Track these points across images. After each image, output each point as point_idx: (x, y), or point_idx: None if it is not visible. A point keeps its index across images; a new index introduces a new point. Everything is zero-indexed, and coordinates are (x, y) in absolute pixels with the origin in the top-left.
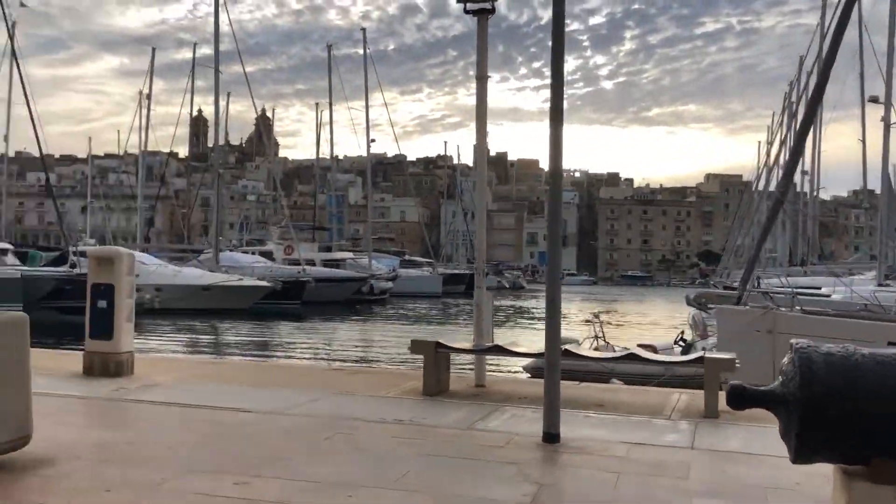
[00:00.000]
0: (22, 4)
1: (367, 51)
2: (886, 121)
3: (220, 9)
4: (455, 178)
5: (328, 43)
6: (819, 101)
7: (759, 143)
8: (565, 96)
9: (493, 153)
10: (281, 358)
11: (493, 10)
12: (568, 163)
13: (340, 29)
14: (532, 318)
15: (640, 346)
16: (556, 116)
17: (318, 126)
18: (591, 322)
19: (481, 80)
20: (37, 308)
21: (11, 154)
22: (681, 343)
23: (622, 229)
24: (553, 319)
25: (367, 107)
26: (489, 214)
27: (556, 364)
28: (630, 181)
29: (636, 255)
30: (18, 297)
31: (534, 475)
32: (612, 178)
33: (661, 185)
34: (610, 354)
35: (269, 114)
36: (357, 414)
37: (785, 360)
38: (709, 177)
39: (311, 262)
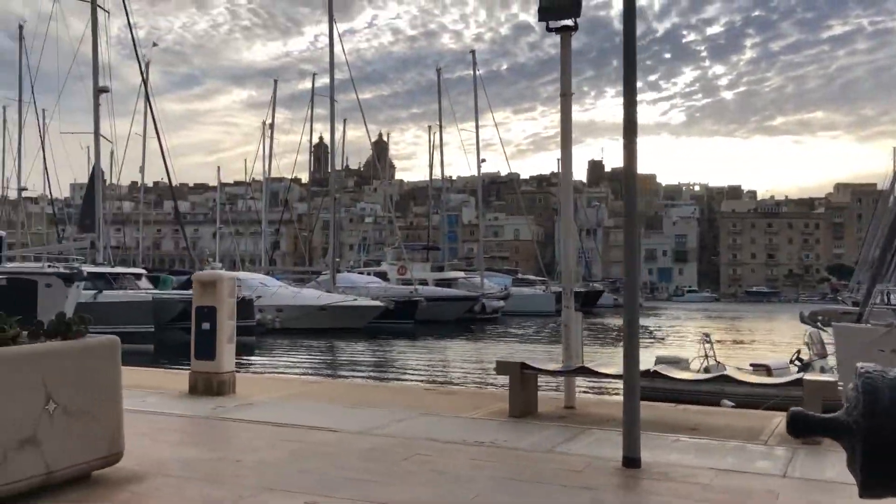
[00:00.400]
0: (154, 45)
1: (478, 73)
2: None
3: (334, 42)
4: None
5: (437, 67)
6: None
7: (894, 148)
8: (683, 108)
9: (608, 169)
10: (385, 377)
11: (576, 27)
12: (687, 176)
13: (454, 52)
14: (644, 337)
15: (752, 365)
16: (630, 133)
17: (431, 148)
18: (701, 341)
19: (565, 97)
20: (166, 329)
21: (150, 184)
22: (797, 362)
23: (745, 243)
24: (631, 341)
25: (476, 128)
26: (605, 231)
27: (635, 387)
28: (753, 193)
29: (761, 270)
30: (150, 319)
31: (607, 501)
32: (734, 191)
33: (786, 196)
34: (702, 376)
35: (384, 138)
36: (439, 435)
37: (850, 385)
38: (839, 186)
39: (424, 282)
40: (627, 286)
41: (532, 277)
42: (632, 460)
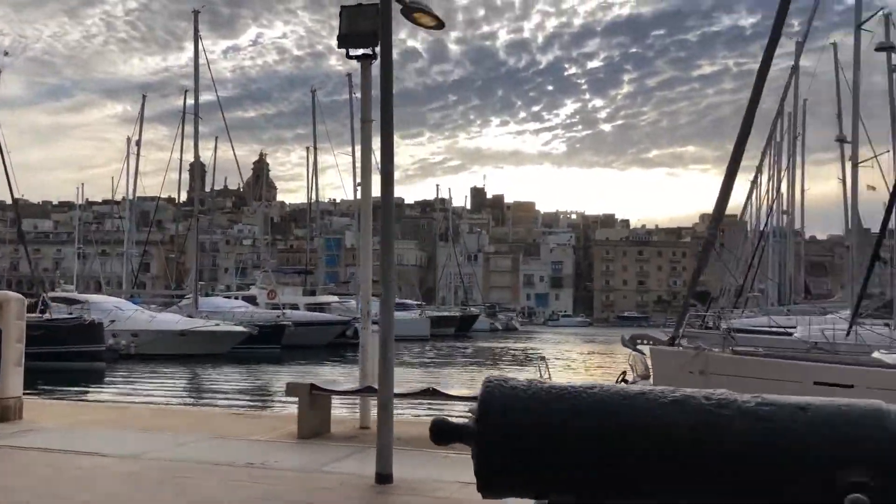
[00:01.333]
0: (6, 54)
1: (355, 96)
2: (854, 159)
3: (200, 62)
4: (450, 220)
5: (312, 89)
6: (744, 142)
7: (750, 182)
8: (564, 139)
9: (489, 195)
10: (209, 401)
11: (375, 56)
12: (565, 205)
13: (340, 75)
14: (509, 359)
15: None
16: (387, 184)
17: (309, 170)
18: (536, 363)
19: (366, 123)
20: None
21: (8, 201)
22: (622, 383)
23: (618, 270)
24: (386, 359)
25: (353, 151)
26: (486, 256)
27: (388, 404)
28: (626, 222)
29: (632, 296)
30: None
31: None
32: (608, 220)
33: (656, 225)
34: (475, 393)
35: (265, 158)
36: (214, 458)
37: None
38: (703, 217)
39: (295, 307)
40: (382, 311)
41: (409, 302)
42: (384, 476)
